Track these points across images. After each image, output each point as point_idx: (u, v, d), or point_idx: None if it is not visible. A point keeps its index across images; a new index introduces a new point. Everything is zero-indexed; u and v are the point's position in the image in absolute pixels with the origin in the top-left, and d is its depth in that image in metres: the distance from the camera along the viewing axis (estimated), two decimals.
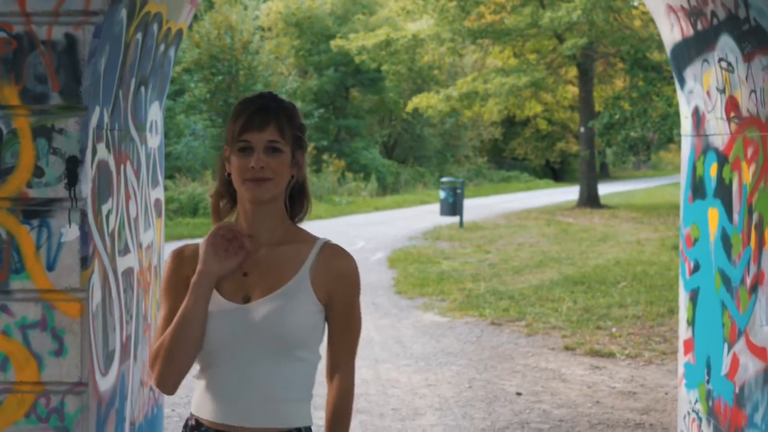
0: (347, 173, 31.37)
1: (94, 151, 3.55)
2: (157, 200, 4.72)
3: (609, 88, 31.37)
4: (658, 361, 8.12)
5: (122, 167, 3.98)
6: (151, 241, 4.53)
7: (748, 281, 3.93)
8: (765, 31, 3.56)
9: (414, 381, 7.42)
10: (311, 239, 2.43)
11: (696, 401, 4.61)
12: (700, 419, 4.56)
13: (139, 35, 3.91)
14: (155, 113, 4.58)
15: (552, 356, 8.33)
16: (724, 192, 4.24)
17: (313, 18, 36.58)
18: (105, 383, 3.69)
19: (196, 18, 27.95)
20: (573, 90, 32.51)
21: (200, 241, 2.42)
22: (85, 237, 3.46)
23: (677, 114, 19.60)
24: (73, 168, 3.42)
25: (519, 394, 7.03)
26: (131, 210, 4.14)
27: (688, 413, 4.75)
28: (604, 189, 33.14)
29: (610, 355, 8.34)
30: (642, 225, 21.76)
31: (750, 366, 3.92)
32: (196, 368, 2.39)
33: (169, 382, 2.33)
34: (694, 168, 4.71)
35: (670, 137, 23.92)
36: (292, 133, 2.37)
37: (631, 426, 6.27)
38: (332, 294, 2.39)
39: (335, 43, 29.16)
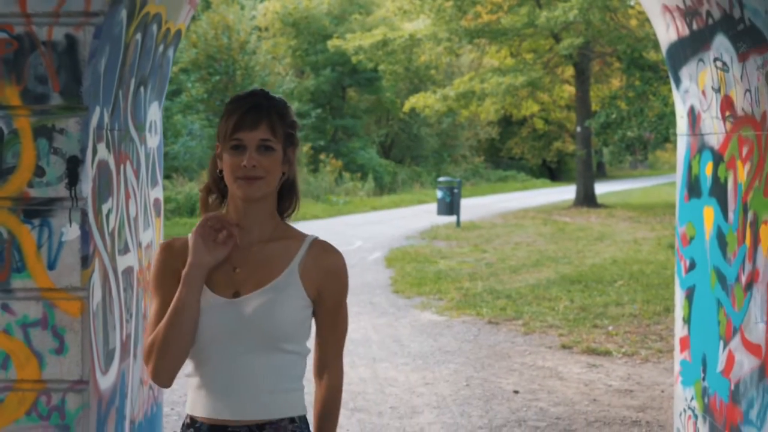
0: (344, 173, 31.39)
1: (95, 151, 3.58)
2: (156, 200, 4.74)
3: (605, 88, 31.42)
4: (655, 359, 8.15)
5: (122, 167, 4.01)
6: (151, 241, 4.56)
7: (743, 279, 3.97)
8: (759, 30, 3.59)
9: (412, 379, 7.45)
10: (300, 236, 2.47)
11: (692, 398, 4.65)
12: (696, 416, 4.59)
13: (138, 36, 3.93)
14: (154, 113, 4.61)
15: (549, 354, 8.37)
16: (719, 191, 4.28)
17: (310, 18, 36.59)
18: (105, 381, 3.72)
19: (193, 18, 27.95)
20: (570, 89, 32.56)
21: (189, 236, 2.44)
22: (85, 236, 3.48)
23: (673, 113, 19.65)
24: (73, 168, 3.45)
25: (516, 392, 7.07)
26: (131, 209, 4.17)
27: (684, 410, 4.78)
28: (600, 188, 33.20)
29: (607, 353, 8.38)
30: (639, 224, 21.81)
31: (745, 363, 3.95)
32: (188, 366, 2.42)
33: (164, 375, 2.36)
34: (689, 167, 4.74)
35: (666, 136, 23.97)
36: (283, 131, 2.39)
37: (627, 423, 6.30)
38: (322, 290, 2.42)
39: (332, 43, 29.17)
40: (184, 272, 2.34)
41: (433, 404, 6.74)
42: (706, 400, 4.43)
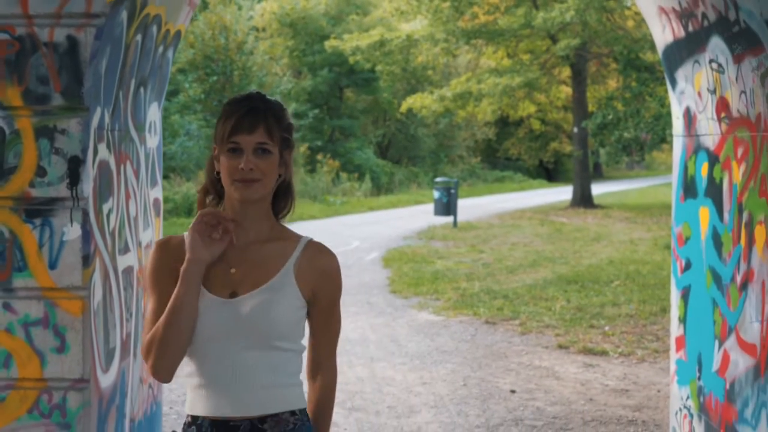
0: (341, 173, 31.41)
1: (96, 151, 3.61)
2: (156, 200, 4.77)
3: (602, 89, 31.48)
4: (651, 359, 8.19)
5: (122, 167, 4.04)
6: (150, 240, 4.58)
7: (738, 279, 4.00)
8: (754, 32, 3.62)
9: (409, 379, 7.49)
10: (296, 237, 2.51)
11: (687, 397, 4.68)
12: (691, 415, 4.62)
13: (138, 37, 3.96)
14: (154, 114, 4.64)
15: (546, 354, 8.41)
16: (714, 191, 4.31)
17: (308, 18, 36.62)
18: (106, 380, 3.75)
19: (191, 18, 27.92)
20: (566, 90, 32.61)
21: (185, 234, 2.48)
22: (86, 236, 3.51)
23: (670, 114, 19.70)
24: (74, 168, 3.48)
25: (513, 391, 7.10)
26: (131, 209, 4.20)
27: (680, 409, 4.82)
28: (597, 189, 33.25)
29: (603, 353, 8.42)
30: (635, 225, 21.86)
31: (740, 362, 3.98)
32: (187, 366, 2.45)
33: (163, 371, 2.39)
34: (685, 168, 4.77)
35: (663, 137, 24.03)
36: (280, 134, 2.43)
37: (623, 423, 6.34)
38: (316, 291, 2.47)
39: (329, 44, 29.20)
40: (182, 269, 2.37)
41: (431, 403, 6.77)
42: (701, 399, 4.47)
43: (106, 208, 3.76)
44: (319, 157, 31.65)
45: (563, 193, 33.25)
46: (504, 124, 43.38)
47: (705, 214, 4.44)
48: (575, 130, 28.07)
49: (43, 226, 3.48)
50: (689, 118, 4.66)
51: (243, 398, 2.39)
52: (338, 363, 2.66)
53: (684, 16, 4.32)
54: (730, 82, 3.97)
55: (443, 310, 10.58)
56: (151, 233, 4.61)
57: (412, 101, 27.65)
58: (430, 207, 24.25)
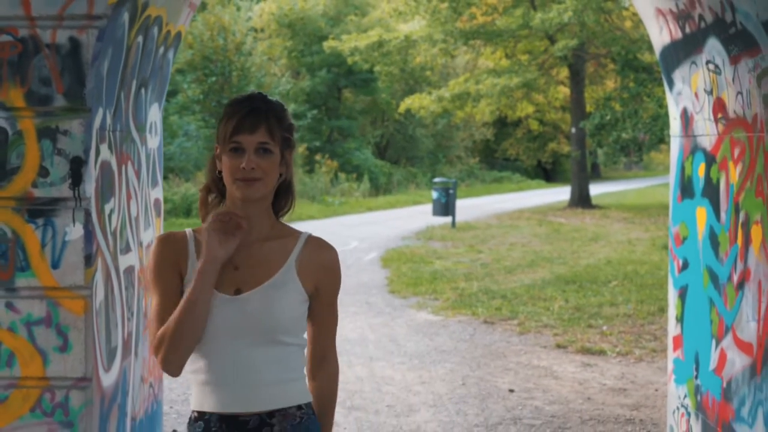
0: (340, 174, 31.44)
1: (98, 152, 3.64)
2: (157, 200, 4.80)
3: (600, 89, 31.53)
4: (649, 359, 8.23)
5: (124, 167, 4.07)
6: (151, 240, 4.61)
7: (735, 278, 4.03)
8: (751, 34, 3.66)
9: (408, 378, 7.52)
10: (296, 233, 2.56)
11: (685, 396, 4.71)
12: (688, 414, 4.66)
13: (140, 38, 3.99)
14: (155, 114, 4.67)
15: (544, 354, 8.44)
16: (711, 191, 4.35)
17: (306, 19, 36.64)
18: (108, 379, 3.78)
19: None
20: (564, 91, 32.64)
21: (187, 230, 2.53)
22: (88, 236, 3.54)
23: (668, 115, 19.77)
24: (77, 168, 3.51)
25: (511, 390, 7.13)
26: (132, 209, 4.23)
27: (677, 408, 4.85)
28: (595, 189, 33.28)
29: (601, 352, 8.45)
30: (633, 225, 21.90)
31: (737, 361, 4.02)
32: (192, 363, 2.48)
33: (174, 365, 2.43)
34: (682, 168, 4.81)
35: (661, 138, 24.06)
36: (281, 134, 2.47)
37: (621, 422, 6.37)
38: (318, 285, 2.52)
39: (328, 44, 29.23)
40: (198, 268, 2.40)
41: (430, 403, 6.80)
42: (698, 398, 4.50)
43: (107, 208, 3.79)
44: (318, 157, 31.68)
45: (561, 193, 33.29)
46: (502, 125, 43.42)
47: (702, 214, 4.48)
48: (573, 130, 28.10)
49: (45, 226, 3.51)
50: (686, 118, 4.70)
51: (251, 394, 2.43)
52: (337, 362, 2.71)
53: (681, 17, 4.35)
54: (727, 83, 4.01)
55: (442, 310, 10.61)
56: (152, 233, 4.64)
57: (410, 102, 27.68)
58: (428, 207, 24.28)
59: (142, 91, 4.31)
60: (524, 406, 6.71)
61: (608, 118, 24.63)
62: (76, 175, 3.51)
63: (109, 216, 3.82)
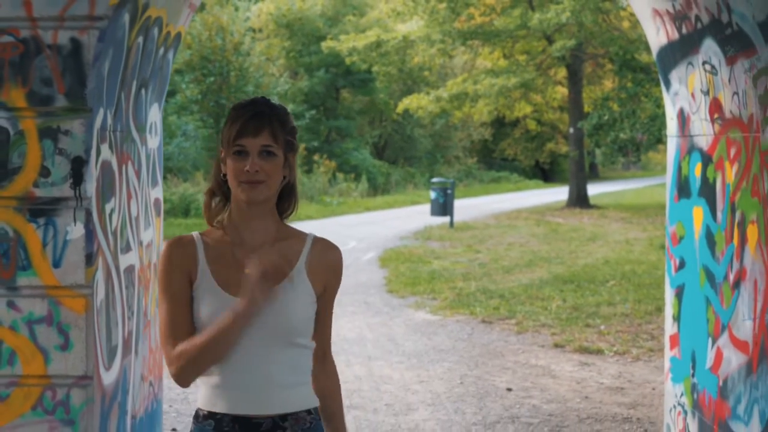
0: (338, 174, 31.47)
1: (98, 152, 3.66)
2: (157, 200, 4.83)
3: (598, 89, 31.56)
4: (646, 358, 8.26)
5: (124, 167, 4.09)
6: (151, 240, 4.63)
7: (731, 277, 4.06)
8: (747, 35, 3.69)
9: (406, 377, 7.55)
10: (301, 234, 2.59)
11: (681, 395, 4.74)
12: (685, 412, 4.69)
13: (140, 39, 4.02)
14: (155, 115, 4.69)
15: (542, 353, 8.47)
16: (708, 191, 4.38)
17: (304, 19, 36.67)
18: (108, 377, 3.80)
19: None
20: (562, 91, 32.67)
21: (194, 234, 2.54)
22: (89, 235, 3.56)
23: (665, 115, 19.80)
24: (78, 168, 3.53)
25: (509, 389, 7.16)
26: (132, 209, 4.25)
27: (674, 406, 4.88)
28: (593, 189, 33.32)
29: (599, 352, 8.48)
30: (631, 225, 21.93)
31: (733, 359, 4.05)
32: None
33: (189, 381, 2.45)
34: (679, 168, 4.84)
35: (659, 138, 24.08)
36: (284, 137, 2.50)
37: (618, 420, 6.41)
38: (326, 285, 2.56)
39: (326, 45, 29.26)
40: (239, 309, 2.36)
41: (428, 401, 6.83)
42: (695, 396, 4.53)
43: (108, 207, 3.82)
44: (316, 157, 31.71)
45: (559, 193, 33.32)
46: (500, 125, 43.44)
47: (699, 213, 4.51)
48: (571, 130, 28.13)
49: (46, 225, 3.54)
50: (683, 118, 4.72)
51: (265, 396, 2.46)
52: (336, 362, 2.76)
53: (678, 18, 4.38)
54: (723, 83, 4.04)
55: (440, 310, 10.64)
56: (152, 233, 4.67)
57: (408, 102, 27.71)
58: (426, 207, 24.30)
59: (143, 91, 4.34)
60: (522, 405, 6.74)
61: (606, 118, 24.66)
62: (77, 175, 3.53)
63: (110, 215, 3.84)
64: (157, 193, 4.84)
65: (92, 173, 3.57)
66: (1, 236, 3.53)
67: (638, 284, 12.29)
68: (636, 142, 25.49)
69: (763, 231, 3.73)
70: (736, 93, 3.92)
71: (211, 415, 2.49)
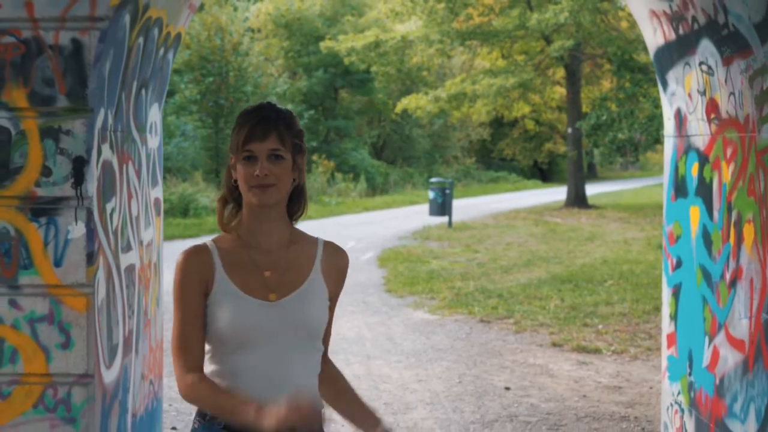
0: (336, 174, 31.49)
1: (99, 152, 3.68)
2: (157, 199, 4.85)
3: (596, 89, 31.58)
4: (644, 357, 8.29)
5: (125, 167, 4.12)
6: (151, 239, 4.66)
7: (728, 276, 4.09)
8: (743, 36, 3.71)
9: (405, 376, 7.57)
10: (311, 238, 2.65)
11: (678, 393, 4.77)
12: (682, 410, 4.71)
13: (141, 39, 4.04)
14: (155, 115, 4.72)
15: (540, 352, 8.50)
16: (704, 191, 4.40)
17: (303, 19, 36.69)
18: (109, 375, 3.82)
19: None
20: (560, 91, 32.72)
21: (207, 240, 2.57)
22: (90, 234, 3.59)
23: (663, 115, 19.79)
24: (79, 168, 3.56)
25: (508, 388, 7.19)
26: (133, 208, 4.27)
27: (671, 405, 4.91)
28: (591, 189, 33.36)
29: (597, 351, 8.51)
30: (629, 225, 21.97)
31: (729, 358, 4.07)
32: (212, 366, 2.53)
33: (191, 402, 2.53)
34: (676, 168, 4.86)
35: (657, 138, 24.12)
36: (291, 140, 2.55)
37: (616, 419, 6.43)
38: (335, 287, 2.63)
39: (324, 45, 29.27)
40: (251, 415, 2.33)
41: (426, 400, 6.86)
42: (692, 395, 4.56)
43: (109, 207, 3.84)
44: (315, 157, 31.72)
45: (557, 193, 33.35)
46: (498, 125, 43.47)
47: (695, 213, 4.53)
48: (569, 130, 28.17)
49: (48, 224, 3.56)
50: (680, 119, 4.75)
51: (282, 398, 2.45)
52: (335, 361, 2.83)
53: (674, 19, 4.41)
54: (720, 83, 4.06)
55: (438, 309, 10.67)
56: (152, 232, 4.69)
57: (407, 102, 27.73)
58: (425, 207, 24.33)
59: (143, 91, 4.36)
60: (520, 404, 6.77)
61: (604, 118, 24.70)
62: (78, 175, 3.56)
63: (111, 215, 3.87)
64: (157, 192, 4.87)
65: (93, 173, 3.59)
66: (2, 235, 3.55)
67: (636, 284, 12.32)
68: (634, 142, 25.51)
69: (759, 230, 3.75)
70: (732, 93, 3.95)
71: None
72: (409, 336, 9.22)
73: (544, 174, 49.42)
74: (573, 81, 28.16)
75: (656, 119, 23.00)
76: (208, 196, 23.38)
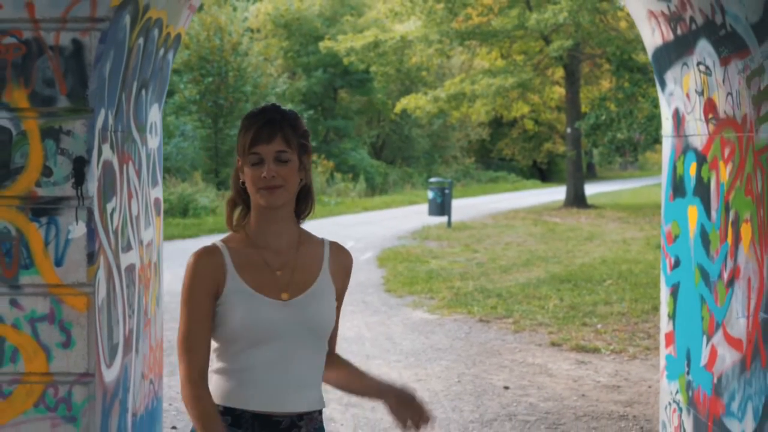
0: (336, 174, 31.51)
1: (100, 152, 3.70)
2: (156, 199, 4.87)
3: (595, 89, 31.59)
4: (642, 356, 8.31)
5: (125, 167, 4.13)
6: (151, 239, 4.68)
7: (725, 276, 4.11)
8: (740, 36, 3.73)
9: (404, 376, 7.59)
10: (318, 239, 2.70)
11: (677, 392, 4.79)
12: (680, 409, 4.73)
13: (141, 40, 4.06)
14: (155, 115, 4.74)
15: (539, 352, 8.52)
16: (702, 190, 4.42)
17: (302, 19, 36.70)
18: (110, 374, 3.84)
19: None
20: (560, 91, 32.72)
21: (218, 243, 2.60)
22: (91, 234, 3.60)
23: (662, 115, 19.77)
24: (80, 168, 3.57)
25: (506, 388, 7.21)
26: (133, 208, 4.29)
27: (669, 404, 4.93)
28: (590, 189, 33.37)
29: (596, 350, 8.53)
30: (628, 224, 21.99)
31: (727, 357, 4.09)
32: (220, 363, 2.56)
33: None
34: (674, 167, 4.88)
35: (656, 138, 24.15)
36: (297, 141, 2.58)
37: (615, 418, 6.45)
38: (342, 286, 2.69)
39: (324, 45, 29.29)
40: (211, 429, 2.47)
41: (426, 399, 6.87)
42: (690, 393, 4.58)
43: (109, 207, 3.86)
44: (314, 157, 31.70)
45: (557, 193, 33.37)
46: (498, 125, 43.49)
47: (693, 212, 4.55)
48: (568, 130, 28.19)
49: (49, 224, 3.58)
50: (678, 119, 4.77)
51: (291, 395, 2.54)
52: None
53: (672, 19, 4.43)
54: (717, 84, 4.08)
55: (438, 309, 10.68)
56: (152, 232, 4.71)
57: (406, 102, 27.75)
58: (424, 207, 24.34)
59: (143, 92, 4.38)
60: (519, 403, 6.79)
61: (603, 118, 24.72)
62: (78, 175, 3.57)
63: (111, 215, 3.88)
64: (157, 192, 4.89)
65: (94, 173, 3.61)
66: (3, 235, 3.57)
67: (635, 283, 12.34)
68: (633, 142, 25.54)
69: (757, 230, 3.77)
70: (730, 93, 3.97)
71: (228, 411, 2.53)
72: (408, 335, 9.24)
73: (543, 174, 49.45)
74: (572, 81, 28.18)
75: (655, 119, 23.02)
76: (207, 196, 23.40)
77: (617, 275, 13.12)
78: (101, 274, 3.71)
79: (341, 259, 2.69)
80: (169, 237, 16.50)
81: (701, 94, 4.33)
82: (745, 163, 3.89)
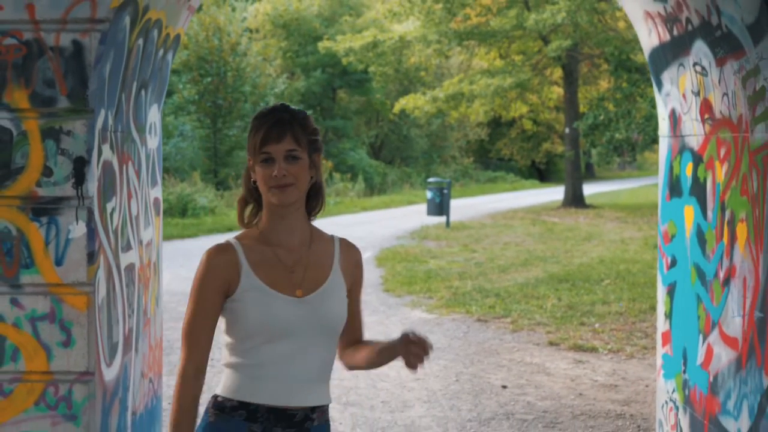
0: (334, 174, 31.51)
1: (100, 152, 3.73)
2: (156, 199, 4.89)
3: (593, 89, 31.60)
4: (640, 356, 8.34)
5: (125, 167, 4.16)
6: (151, 239, 4.70)
7: (721, 275, 4.14)
8: (736, 37, 3.76)
9: (403, 375, 7.61)
10: (328, 236, 2.77)
11: (673, 390, 4.81)
12: (677, 408, 4.76)
13: (140, 41, 4.08)
14: (154, 115, 4.76)
15: (536, 351, 8.54)
16: (698, 190, 4.45)
17: (301, 19, 36.72)
18: (110, 373, 3.86)
19: None
20: (558, 91, 32.75)
21: (231, 240, 2.63)
22: (91, 233, 3.63)
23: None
24: (80, 168, 3.60)
25: (504, 387, 7.24)
26: (133, 208, 4.32)
27: (666, 402, 4.95)
28: (589, 189, 33.40)
29: (593, 349, 8.56)
30: (626, 224, 22.02)
31: (723, 356, 4.12)
32: (234, 359, 2.60)
33: None
34: (671, 167, 4.91)
35: (654, 138, 24.14)
36: (307, 139, 2.62)
37: (612, 416, 6.48)
38: (353, 282, 2.73)
39: (322, 45, 29.31)
40: None
41: (424, 398, 6.90)
42: (686, 392, 4.60)
43: (109, 207, 3.88)
44: None
45: (555, 193, 33.40)
46: (496, 125, 43.50)
47: (690, 212, 4.58)
48: (567, 130, 28.21)
49: (49, 224, 3.60)
50: (674, 119, 4.80)
51: (306, 390, 2.59)
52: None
53: (669, 20, 4.45)
54: (713, 84, 4.11)
55: (436, 309, 10.71)
56: (152, 232, 4.73)
57: (404, 102, 27.77)
58: (422, 207, 24.36)
59: (143, 92, 4.40)
60: (517, 402, 6.81)
61: (602, 118, 24.74)
62: (79, 175, 3.60)
63: (111, 214, 3.91)
64: (157, 192, 4.91)
65: (94, 173, 3.63)
66: (4, 235, 3.59)
67: (633, 283, 12.37)
68: (631, 142, 25.56)
69: (752, 229, 3.80)
70: (725, 94, 3.99)
71: (243, 405, 2.57)
72: None
73: (541, 174, 49.48)
74: (570, 81, 28.21)
75: (653, 119, 23.03)
76: (206, 196, 23.41)
77: (615, 275, 13.15)
78: (101, 274, 3.73)
79: (351, 255, 2.75)
80: (168, 237, 16.52)
81: (697, 94, 4.35)
82: (741, 163, 3.92)
